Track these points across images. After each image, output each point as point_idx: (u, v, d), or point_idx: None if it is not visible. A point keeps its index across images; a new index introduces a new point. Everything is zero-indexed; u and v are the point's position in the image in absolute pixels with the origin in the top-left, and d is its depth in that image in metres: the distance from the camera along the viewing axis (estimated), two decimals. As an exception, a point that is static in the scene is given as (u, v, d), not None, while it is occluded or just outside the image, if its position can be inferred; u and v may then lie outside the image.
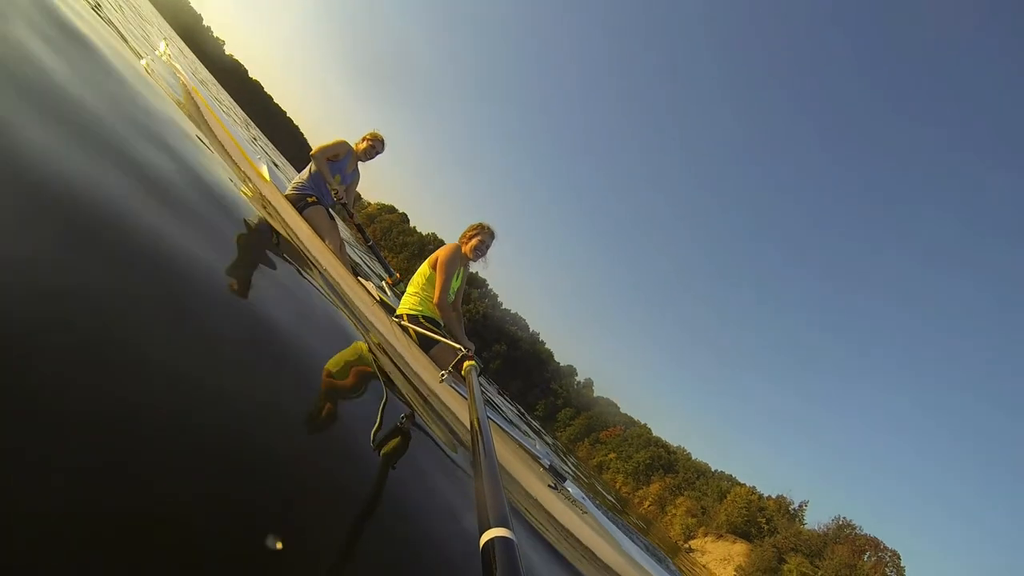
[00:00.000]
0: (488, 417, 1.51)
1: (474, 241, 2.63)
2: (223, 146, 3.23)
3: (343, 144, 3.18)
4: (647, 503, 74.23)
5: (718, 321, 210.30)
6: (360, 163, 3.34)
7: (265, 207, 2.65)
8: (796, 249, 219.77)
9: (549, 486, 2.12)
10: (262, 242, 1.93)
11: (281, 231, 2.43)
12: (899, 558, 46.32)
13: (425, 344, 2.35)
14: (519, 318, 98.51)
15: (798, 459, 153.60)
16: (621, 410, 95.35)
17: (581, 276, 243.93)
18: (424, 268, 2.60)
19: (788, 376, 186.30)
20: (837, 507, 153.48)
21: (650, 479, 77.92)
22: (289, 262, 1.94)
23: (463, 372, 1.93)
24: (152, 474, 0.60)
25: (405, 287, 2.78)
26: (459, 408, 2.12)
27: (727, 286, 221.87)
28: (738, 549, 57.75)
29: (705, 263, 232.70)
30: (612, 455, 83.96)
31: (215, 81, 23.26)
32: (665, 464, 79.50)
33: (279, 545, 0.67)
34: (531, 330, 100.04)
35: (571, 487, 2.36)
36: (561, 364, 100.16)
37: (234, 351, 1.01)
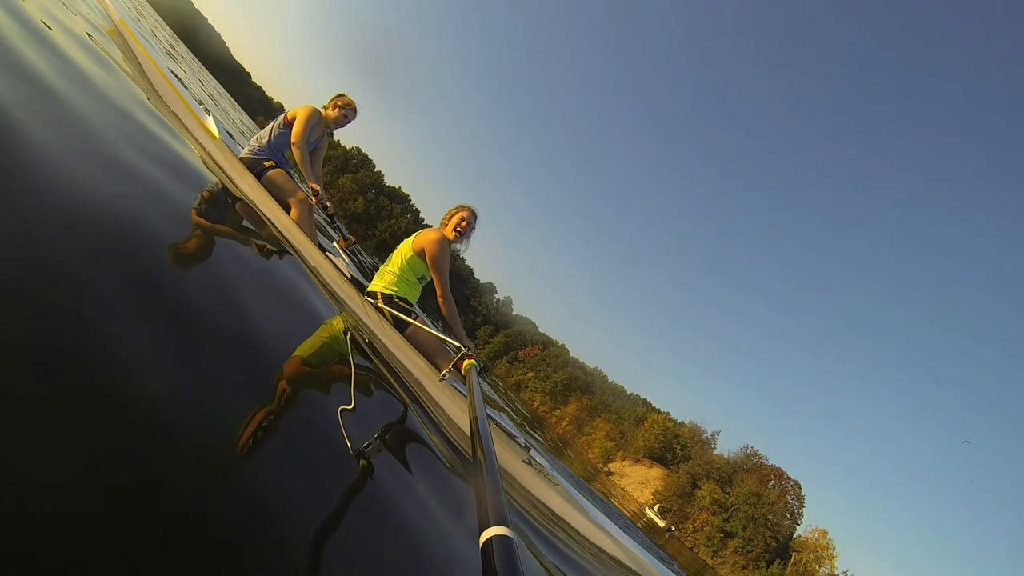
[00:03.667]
0: (488, 416, 1.50)
1: (454, 220, 2.63)
2: (158, 93, 2.90)
3: (314, 114, 3.07)
4: (564, 423, 76.45)
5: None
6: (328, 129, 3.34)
7: (214, 170, 2.39)
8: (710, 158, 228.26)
9: (524, 462, 2.26)
10: (214, 210, 1.75)
11: (238, 196, 2.34)
12: (800, 487, 52.85)
13: (399, 326, 2.40)
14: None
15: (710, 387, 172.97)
16: (539, 329, 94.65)
17: (503, 193, 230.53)
18: (406, 251, 2.55)
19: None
20: (746, 437, 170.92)
21: (568, 399, 79.84)
22: (246, 234, 1.80)
23: (463, 371, 1.97)
24: (94, 470, 0.56)
25: (358, 248, 3.08)
26: (441, 395, 2.14)
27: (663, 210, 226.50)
28: (655, 473, 62.15)
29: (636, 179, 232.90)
30: (530, 374, 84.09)
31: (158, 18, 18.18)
32: (582, 385, 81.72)
33: (260, 548, 0.65)
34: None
35: (537, 455, 2.41)
36: (481, 281, 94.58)
37: (191, 330, 0.93)
